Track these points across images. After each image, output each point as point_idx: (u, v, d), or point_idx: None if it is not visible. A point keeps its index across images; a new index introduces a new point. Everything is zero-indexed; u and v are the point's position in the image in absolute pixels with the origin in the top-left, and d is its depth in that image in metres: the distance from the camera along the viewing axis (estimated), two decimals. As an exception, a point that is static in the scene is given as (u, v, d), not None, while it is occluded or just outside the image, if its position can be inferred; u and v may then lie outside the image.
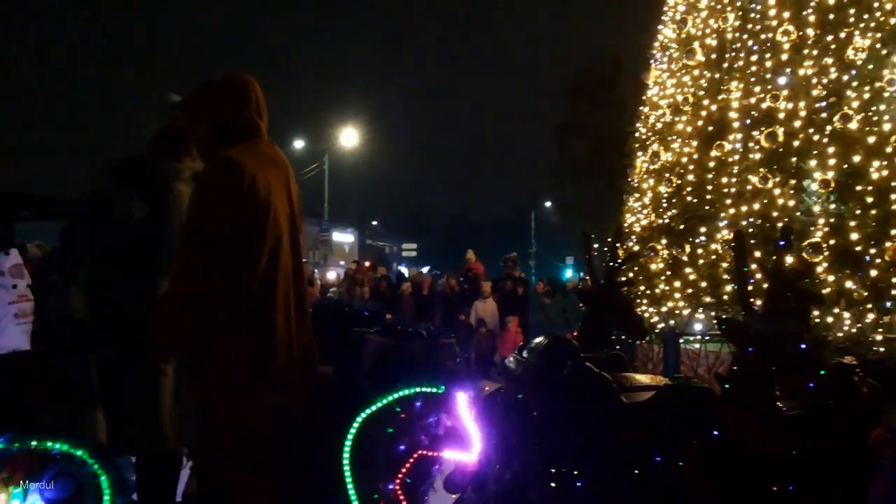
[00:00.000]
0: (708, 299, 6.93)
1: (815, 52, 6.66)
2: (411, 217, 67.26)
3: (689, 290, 7.02)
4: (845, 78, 6.45)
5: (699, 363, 7.46)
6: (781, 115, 6.60)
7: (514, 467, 3.36)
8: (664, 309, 7.36)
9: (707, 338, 7.64)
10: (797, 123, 6.52)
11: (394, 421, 3.09)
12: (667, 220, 7.47)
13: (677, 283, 7.10)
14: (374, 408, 3.08)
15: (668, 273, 7.25)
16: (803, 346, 3.18)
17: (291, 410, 2.81)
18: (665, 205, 7.58)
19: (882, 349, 5.11)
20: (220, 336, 2.63)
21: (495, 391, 3.85)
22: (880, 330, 5.94)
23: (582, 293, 5.52)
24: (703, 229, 6.96)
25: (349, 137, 29.20)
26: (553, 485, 3.14)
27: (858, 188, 6.09)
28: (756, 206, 6.49)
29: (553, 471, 3.15)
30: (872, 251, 5.89)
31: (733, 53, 7.33)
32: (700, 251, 6.95)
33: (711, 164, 7.07)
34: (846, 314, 6.02)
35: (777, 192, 6.41)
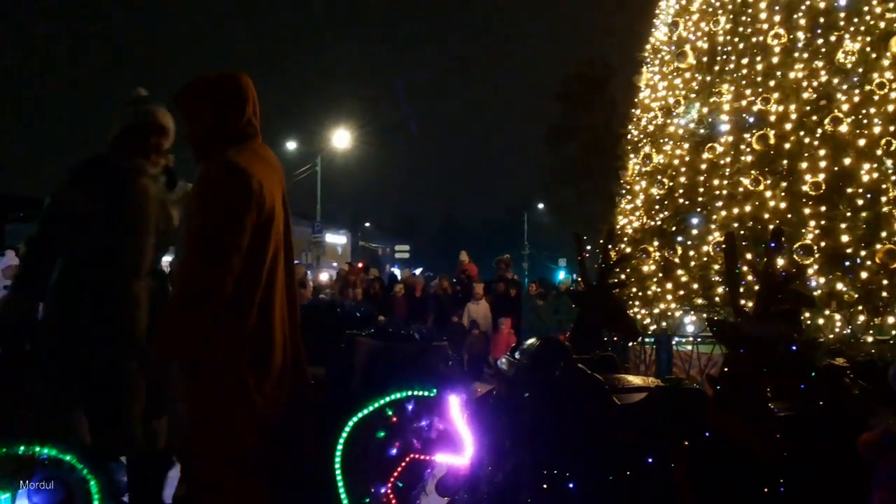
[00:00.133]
0: (700, 301, 6.94)
1: (805, 56, 6.68)
2: (404, 219, 67.33)
3: (681, 292, 7.03)
4: (836, 81, 6.47)
5: (691, 364, 7.48)
6: (772, 118, 6.62)
7: (507, 469, 3.36)
8: (656, 310, 7.37)
9: (699, 339, 7.67)
10: (788, 126, 6.54)
11: (385, 424, 3.08)
12: (659, 222, 7.48)
13: (669, 285, 7.11)
14: (365, 411, 3.07)
15: (660, 275, 7.26)
16: (794, 347, 3.19)
17: (283, 413, 2.81)
18: (657, 207, 7.60)
19: (873, 351, 5.12)
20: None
21: (487, 393, 3.85)
22: (871, 332, 5.97)
23: (574, 295, 5.53)
24: (694, 231, 6.97)
25: (341, 139, 29.16)
26: (545, 486, 3.14)
27: (849, 191, 6.11)
28: (747, 209, 6.51)
29: (545, 472, 3.15)
30: (863, 253, 5.91)
31: (724, 56, 7.35)
32: (692, 253, 6.96)
33: (703, 166, 7.09)
34: (837, 316, 6.05)
35: (768, 194, 6.43)
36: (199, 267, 2.56)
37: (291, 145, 29.49)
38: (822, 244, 6.00)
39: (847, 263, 5.96)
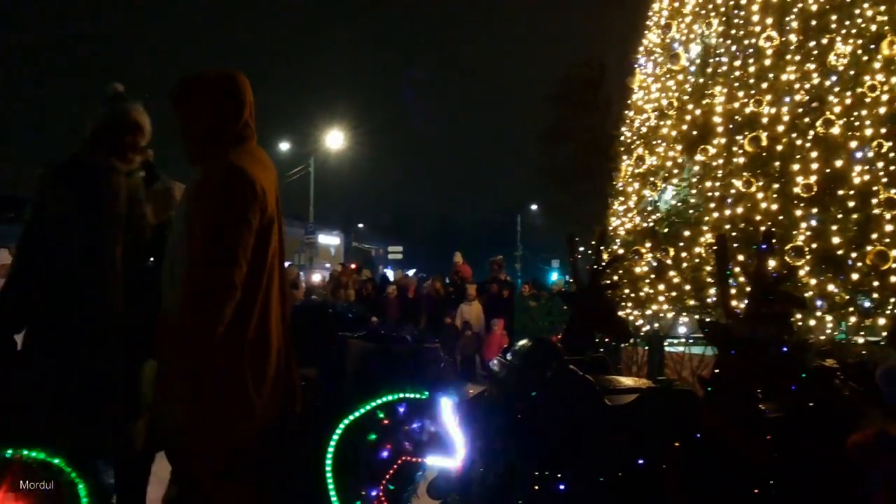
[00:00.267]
0: (692, 302, 6.95)
1: (797, 58, 6.70)
2: (397, 220, 67.31)
3: (674, 294, 7.04)
4: (827, 83, 6.49)
5: (683, 366, 7.50)
6: (765, 120, 6.64)
7: (498, 470, 3.35)
8: (648, 312, 7.38)
9: (691, 341, 7.69)
10: (780, 128, 6.56)
11: (377, 426, 3.08)
12: (651, 224, 7.50)
13: (661, 287, 7.12)
14: (357, 413, 3.07)
15: (653, 276, 7.27)
16: (785, 349, 3.20)
17: (277, 415, 2.80)
18: (650, 208, 7.61)
19: (863, 352, 5.14)
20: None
21: (479, 394, 3.85)
22: (861, 333, 5.99)
23: (566, 296, 5.53)
24: (686, 233, 6.98)
25: (335, 140, 29.15)
26: (536, 487, 3.13)
27: (841, 192, 6.14)
28: (739, 210, 6.53)
29: (536, 473, 3.14)
30: (854, 255, 5.93)
31: (717, 58, 7.37)
32: (684, 254, 6.97)
33: (696, 168, 7.11)
34: (828, 317, 6.07)
35: (760, 196, 6.45)
36: (210, 268, 2.55)
37: (284, 146, 29.46)
38: (814, 246, 6.02)
39: (838, 265, 5.98)
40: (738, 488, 2.88)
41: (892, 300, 5.68)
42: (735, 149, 6.77)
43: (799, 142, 6.45)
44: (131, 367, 3.00)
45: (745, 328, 3.11)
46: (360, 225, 56.15)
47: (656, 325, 7.51)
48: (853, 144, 6.19)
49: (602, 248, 5.03)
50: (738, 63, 7.07)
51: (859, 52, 6.46)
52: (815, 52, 6.64)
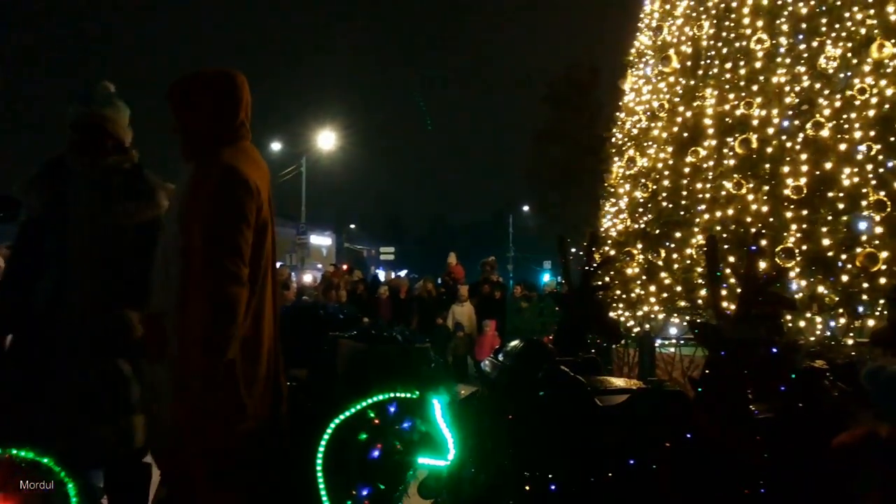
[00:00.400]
0: (683, 304, 6.97)
1: (787, 61, 6.74)
2: (389, 220, 67.25)
3: (665, 295, 7.07)
4: (817, 86, 6.54)
5: (674, 367, 7.53)
6: (755, 122, 6.68)
7: (489, 471, 3.35)
8: (639, 313, 7.40)
9: (682, 342, 7.71)
10: (770, 130, 6.60)
11: (368, 426, 3.07)
12: (642, 225, 7.52)
13: (652, 288, 7.14)
14: (347, 413, 3.06)
15: (644, 277, 7.29)
16: (775, 350, 3.21)
17: (267, 416, 2.80)
18: (641, 210, 7.63)
19: (853, 353, 5.18)
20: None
21: (471, 394, 3.85)
22: (851, 334, 6.03)
23: (558, 297, 5.53)
24: (678, 234, 7.01)
25: (327, 140, 29.10)
26: (527, 488, 3.14)
27: (830, 195, 6.17)
28: (730, 212, 6.56)
29: (527, 474, 3.15)
30: (843, 257, 5.97)
31: (708, 61, 7.40)
32: (675, 256, 7.00)
33: (686, 169, 7.14)
34: (818, 318, 6.10)
35: (751, 197, 6.48)
36: (220, 273, 2.54)
37: (276, 146, 29.36)
38: (804, 247, 6.05)
39: (828, 266, 6.02)
40: (729, 488, 2.89)
41: (882, 302, 5.71)
42: (725, 151, 6.81)
43: (789, 144, 6.49)
44: (104, 370, 2.97)
45: (735, 329, 3.12)
46: (352, 225, 56.09)
47: (647, 325, 7.53)
48: (843, 147, 6.23)
49: (593, 249, 5.03)
50: (728, 65, 7.10)
51: (849, 55, 6.50)
52: (805, 55, 6.68)
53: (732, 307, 3.36)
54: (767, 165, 6.55)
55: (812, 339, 5.94)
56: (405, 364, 3.23)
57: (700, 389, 3.15)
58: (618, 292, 7.55)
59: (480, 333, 11.38)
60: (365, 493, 3.03)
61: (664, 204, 7.30)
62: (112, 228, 3.06)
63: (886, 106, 6.20)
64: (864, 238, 5.93)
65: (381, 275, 25.74)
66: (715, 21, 7.41)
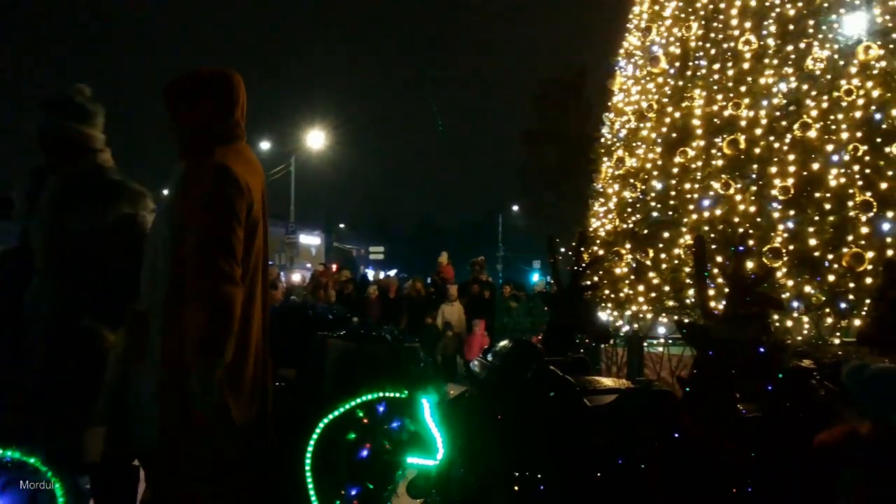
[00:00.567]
0: (671, 303, 7.00)
1: (775, 62, 6.78)
2: (379, 220, 67.18)
3: (653, 294, 7.09)
4: (805, 87, 6.58)
5: (662, 366, 7.55)
6: (743, 123, 6.71)
7: (479, 471, 3.36)
8: (628, 312, 7.43)
9: (670, 341, 7.74)
10: (758, 131, 6.63)
11: (356, 425, 3.07)
12: (631, 225, 7.54)
13: (641, 287, 7.17)
14: (336, 412, 3.05)
15: (632, 277, 7.32)
16: (762, 349, 3.23)
17: (254, 416, 2.79)
18: (629, 210, 7.66)
19: (839, 353, 5.21)
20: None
21: (460, 394, 3.85)
22: (837, 334, 6.07)
23: (547, 297, 5.54)
24: (666, 234, 7.03)
25: (316, 139, 29.01)
26: (516, 488, 3.14)
27: (817, 195, 6.22)
28: (718, 212, 6.59)
29: (516, 474, 3.15)
30: (830, 257, 6.01)
31: (696, 62, 7.43)
32: (663, 256, 7.02)
33: (675, 169, 7.16)
34: (805, 318, 6.14)
35: (738, 198, 6.51)
36: (214, 273, 2.52)
37: (265, 145, 29.25)
38: (791, 247, 6.09)
39: (815, 266, 6.06)
40: (717, 488, 2.91)
41: (868, 301, 5.76)
42: (714, 151, 6.84)
43: (776, 145, 6.52)
44: (75, 373, 2.94)
45: (723, 329, 3.14)
46: (342, 225, 55.97)
47: (636, 325, 7.56)
48: (830, 148, 6.28)
49: (582, 249, 5.05)
50: (716, 66, 7.14)
51: (836, 56, 6.55)
52: (793, 57, 6.72)
53: (720, 307, 3.38)
54: (755, 166, 6.59)
55: (799, 338, 5.97)
56: (394, 364, 3.23)
57: (688, 389, 3.16)
58: (606, 292, 7.57)
59: (470, 333, 11.38)
60: (354, 492, 3.02)
61: (652, 204, 7.33)
62: (71, 235, 2.99)
63: (873, 107, 6.25)
64: (850, 238, 5.98)
65: (371, 274, 25.69)
66: (703, 22, 7.44)
